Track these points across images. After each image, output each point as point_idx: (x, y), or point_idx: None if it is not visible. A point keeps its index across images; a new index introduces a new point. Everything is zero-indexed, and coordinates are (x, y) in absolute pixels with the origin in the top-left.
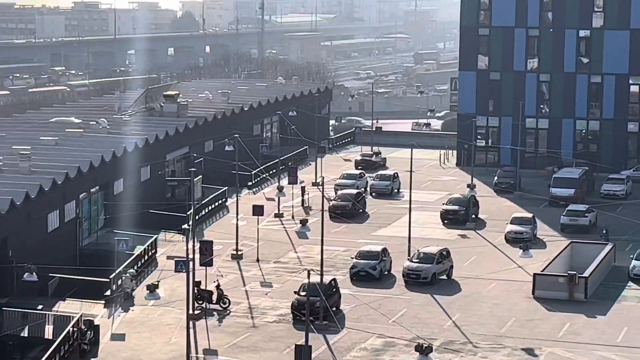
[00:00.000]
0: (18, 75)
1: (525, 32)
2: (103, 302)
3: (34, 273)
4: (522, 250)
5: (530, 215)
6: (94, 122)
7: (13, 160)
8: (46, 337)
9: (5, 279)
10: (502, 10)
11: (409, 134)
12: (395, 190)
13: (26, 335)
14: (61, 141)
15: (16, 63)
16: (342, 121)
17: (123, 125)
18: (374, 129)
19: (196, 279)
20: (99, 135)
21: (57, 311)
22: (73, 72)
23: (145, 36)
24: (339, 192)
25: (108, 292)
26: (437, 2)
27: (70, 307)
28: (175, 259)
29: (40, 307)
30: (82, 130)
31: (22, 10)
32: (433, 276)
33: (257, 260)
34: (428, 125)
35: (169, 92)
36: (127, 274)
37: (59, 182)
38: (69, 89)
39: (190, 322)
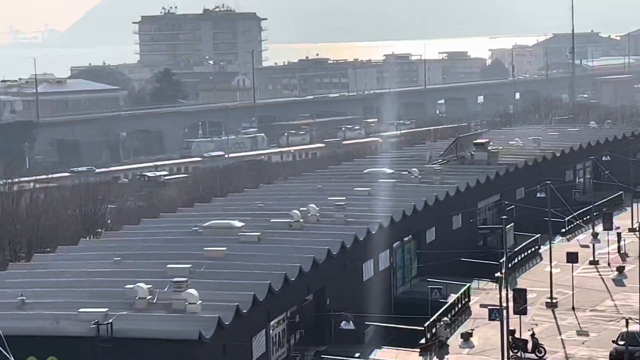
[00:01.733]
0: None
1: None
2: (418, 350)
3: (351, 321)
4: None
5: None
6: (406, 172)
7: (329, 210)
8: None
9: (323, 327)
10: None
11: None
12: None
13: None
14: (374, 191)
15: (330, 116)
16: None
17: (434, 174)
18: None
19: (510, 328)
20: (410, 185)
21: (373, 359)
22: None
23: (455, 85)
24: None
25: (423, 341)
26: None
27: (386, 355)
28: (488, 307)
29: (357, 355)
30: (394, 180)
31: (335, 65)
32: None
33: (573, 308)
34: None
35: (479, 140)
36: (441, 322)
37: (373, 232)
38: (381, 140)
39: None
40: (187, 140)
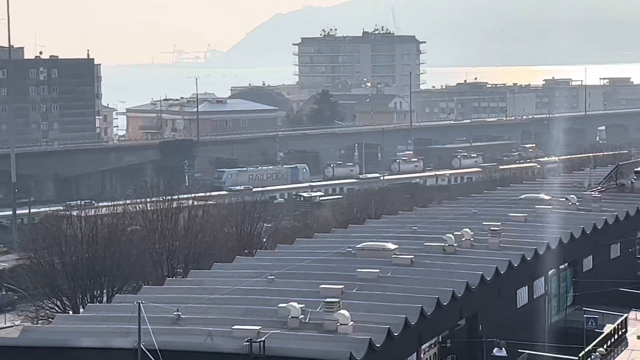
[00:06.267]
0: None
1: None
2: None
3: (503, 348)
4: None
5: None
6: (564, 199)
7: (483, 235)
8: None
9: (475, 353)
10: None
11: None
12: None
13: None
14: (530, 217)
15: (488, 141)
16: None
17: (593, 201)
18: None
19: None
20: (568, 212)
21: None
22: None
23: (617, 112)
24: None
25: None
26: None
27: None
28: None
29: None
30: (551, 206)
31: (494, 89)
32: None
33: None
34: None
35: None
36: (597, 353)
37: (528, 259)
38: (538, 166)
39: None
40: (218, 170)
